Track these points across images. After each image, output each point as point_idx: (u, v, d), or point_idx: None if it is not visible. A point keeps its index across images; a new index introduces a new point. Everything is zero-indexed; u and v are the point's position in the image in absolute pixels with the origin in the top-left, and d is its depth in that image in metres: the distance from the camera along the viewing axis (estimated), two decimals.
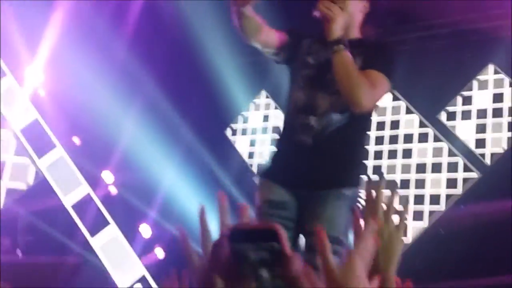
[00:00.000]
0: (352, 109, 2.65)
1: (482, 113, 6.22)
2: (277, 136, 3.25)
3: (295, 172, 2.76)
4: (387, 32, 5.67)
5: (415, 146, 6.49)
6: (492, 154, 6.11)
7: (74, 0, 6.92)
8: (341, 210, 2.65)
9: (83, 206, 7.57)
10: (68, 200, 7.56)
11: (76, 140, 7.59)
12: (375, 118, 6.32)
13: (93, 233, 7.42)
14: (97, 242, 7.39)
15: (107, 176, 7.61)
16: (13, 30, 6.81)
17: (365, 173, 2.87)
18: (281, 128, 2.97)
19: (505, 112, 6.09)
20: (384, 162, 6.53)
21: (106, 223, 7.51)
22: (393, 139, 6.58)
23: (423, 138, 6.47)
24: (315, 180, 2.71)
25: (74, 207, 7.58)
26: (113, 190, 7.69)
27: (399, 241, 1.34)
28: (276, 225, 0.95)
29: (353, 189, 2.73)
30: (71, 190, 7.61)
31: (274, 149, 3.01)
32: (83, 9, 7.09)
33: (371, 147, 6.48)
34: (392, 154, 6.54)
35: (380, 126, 6.57)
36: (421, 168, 6.39)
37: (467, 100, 6.32)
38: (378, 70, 2.67)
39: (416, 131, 6.52)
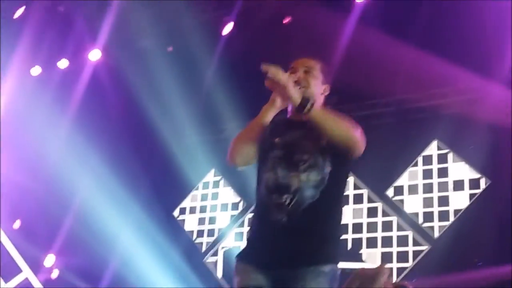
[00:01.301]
0: (351, 151, 2.61)
1: (428, 188, 6.36)
2: (250, 217, 3.22)
3: (271, 253, 2.67)
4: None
5: (364, 220, 6.54)
6: (439, 227, 6.22)
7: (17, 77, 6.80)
8: (320, 286, 2.61)
9: None
10: (7, 285, 7.23)
11: (17, 223, 7.33)
12: None
13: None
14: None
15: (49, 259, 7.34)
16: None
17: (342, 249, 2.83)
18: (254, 209, 2.93)
19: (450, 185, 6.25)
20: None
21: None
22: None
23: (372, 212, 6.54)
24: (292, 259, 2.63)
25: None
26: (55, 274, 7.40)
27: None
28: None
29: (331, 266, 2.69)
30: (10, 275, 7.31)
31: (248, 230, 2.95)
32: (26, 86, 6.98)
33: None
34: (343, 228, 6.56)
35: None
36: (372, 242, 6.44)
37: (413, 176, 6.46)
38: None
39: (365, 206, 6.59)
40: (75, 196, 7.12)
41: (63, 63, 7.17)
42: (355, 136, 2.58)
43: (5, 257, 7.33)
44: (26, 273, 7.30)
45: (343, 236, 6.40)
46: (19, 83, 6.73)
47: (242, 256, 2.81)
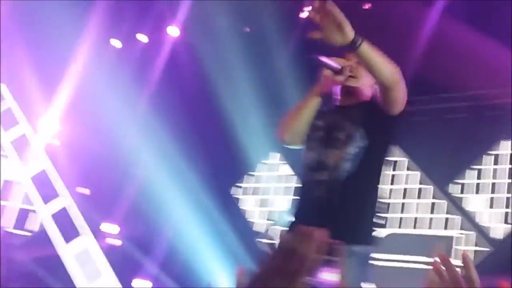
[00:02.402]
0: (392, 98, 2.64)
1: (494, 187, 6.22)
2: (294, 198, 3.29)
3: None
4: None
5: (429, 216, 6.47)
6: (504, 229, 6.09)
7: (95, 50, 6.95)
8: (349, 267, 2.62)
9: (83, 255, 7.46)
10: (70, 249, 7.43)
11: (86, 190, 7.54)
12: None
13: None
14: None
15: (112, 228, 7.53)
16: (33, 78, 6.83)
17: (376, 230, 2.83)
18: (298, 190, 3.01)
19: None
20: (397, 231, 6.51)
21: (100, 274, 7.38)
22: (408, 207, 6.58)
23: (436, 208, 6.46)
24: None
25: (76, 256, 7.47)
26: (117, 242, 7.59)
27: None
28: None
29: (363, 247, 2.70)
30: (74, 239, 7.51)
31: (292, 210, 2.99)
32: (104, 59, 7.14)
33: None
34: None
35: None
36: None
37: (480, 174, 6.33)
38: None
39: (430, 201, 6.52)
40: (139, 167, 7.27)
41: (142, 38, 7.30)
42: (398, 78, 2.57)
43: (69, 221, 7.53)
44: (89, 238, 7.51)
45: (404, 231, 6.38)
46: (98, 54, 6.90)
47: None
